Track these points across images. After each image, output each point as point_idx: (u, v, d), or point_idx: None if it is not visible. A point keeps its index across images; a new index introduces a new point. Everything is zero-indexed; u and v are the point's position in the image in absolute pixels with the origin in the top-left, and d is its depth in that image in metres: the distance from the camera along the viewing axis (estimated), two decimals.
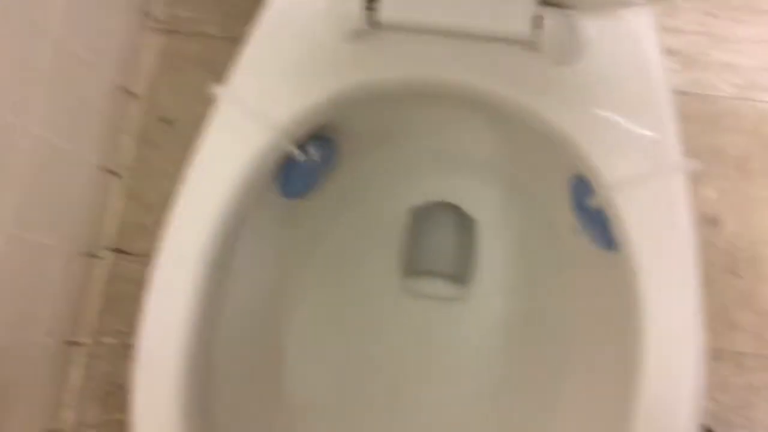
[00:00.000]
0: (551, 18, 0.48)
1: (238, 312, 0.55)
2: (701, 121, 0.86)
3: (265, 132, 0.51)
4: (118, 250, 0.85)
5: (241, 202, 0.50)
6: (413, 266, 0.66)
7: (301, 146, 0.54)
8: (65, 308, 0.80)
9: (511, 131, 0.58)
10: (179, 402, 0.45)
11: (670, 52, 0.88)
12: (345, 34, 0.51)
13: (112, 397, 0.82)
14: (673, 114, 0.49)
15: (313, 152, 0.55)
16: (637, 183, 0.48)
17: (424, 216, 0.67)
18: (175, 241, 0.49)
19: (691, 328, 0.46)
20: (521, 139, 0.58)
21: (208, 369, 0.50)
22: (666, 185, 0.48)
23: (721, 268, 0.83)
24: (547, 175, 0.60)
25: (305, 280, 0.63)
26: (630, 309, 0.47)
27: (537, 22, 0.48)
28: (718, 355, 0.81)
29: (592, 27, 0.50)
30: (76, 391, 0.82)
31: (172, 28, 0.90)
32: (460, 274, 0.66)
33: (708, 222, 0.84)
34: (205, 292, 0.48)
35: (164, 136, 0.87)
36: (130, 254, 0.85)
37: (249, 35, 0.52)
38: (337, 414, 0.62)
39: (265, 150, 0.51)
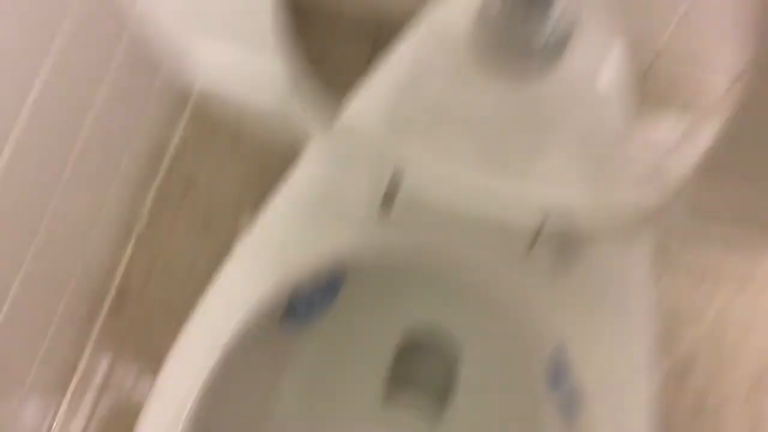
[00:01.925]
0: (551, 239, 0.53)
1: (233, 413, 0.59)
2: None
3: (280, 273, 0.55)
4: (122, 295, 0.90)
5: (244, 337, 0.54)
6: (397, 382, 0.70)
7: (310, 286, 0.58)
8: (67, 341, 0.85)
9: (501, 310, 0.63)
10: None
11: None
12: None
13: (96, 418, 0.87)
14: (648, 325, 0.54)
15: (319, 292, 0.60)
16: (610, 385, 0.53)
17: (412, 348, 0.70)
18: (177, 369, 0.53)
19: None
20: (506, 312, 0.62)
21: None
22: (636, 390, 0.53)
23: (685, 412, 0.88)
24: (528, 340, 0.63)
25: (293, 392, 0.67)
26: None
27: (536, 241, 0.53)
28: None
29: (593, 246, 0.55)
30: (64, 409, 0.87)
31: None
32: (438, 407, 0.70)
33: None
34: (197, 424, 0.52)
35: (183, 198, 0.92)
36: (132, 300, 0.90)
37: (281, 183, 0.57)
38: None
39: (277, 289, 0.55)
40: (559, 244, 0.53)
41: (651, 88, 0.93)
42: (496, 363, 0.67)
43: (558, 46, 0.53)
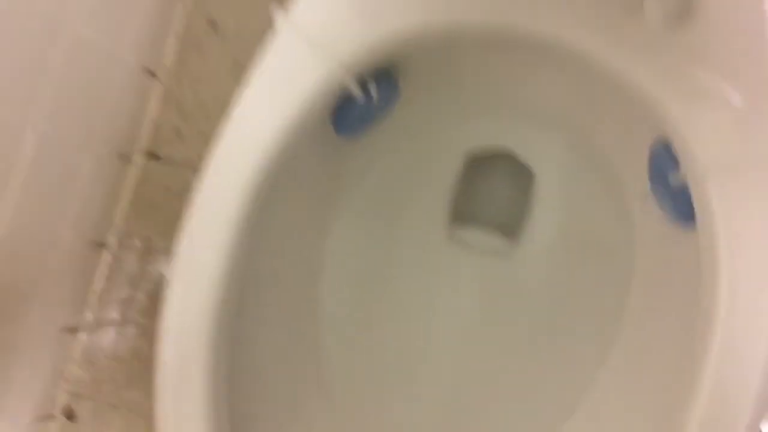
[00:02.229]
0: None
1: (276, 253, 0.52)
2: None
3: (326, 65, 0.46)
4: (151, 154, 0.83)
5: (292, 138, 0.47)
6: (462, 214, 0.63)
7: (362, 83, 0.49)
8: (94, 209, 0.78)
9: (590, 86, 0.53)
10: (208, 351, 0.43)
11: None
12: None
13: (132, 300, 0.82)
14: None
15: (373, 90, 0.51)
16: (733, 171, 0.43)
17: (480, 163, 0.62)
18: (220, 170, 0.46)
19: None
20: (601, 95, 0.52)
21: (241, 315, 0.48)
22: (764, 178, 0.43)
23: None
24: (625, 136, 0.55)
25: (348, 222, 0.60)
26: (700, 294, 0.43)
27: None
28: None
29: None
30: (97, 291, 0.82)
31: None
32: (511, 227, 0.63)
33: None
34: (246, 226, 0.45)
35: (208, 41, 0.82)
36: (162, 159, 0.83)
37: None
38: (375, 375, 0.60)
39: (323, 84, 0.46)
40: None
41: None
42: (578, 175, 0.59)
43: None
